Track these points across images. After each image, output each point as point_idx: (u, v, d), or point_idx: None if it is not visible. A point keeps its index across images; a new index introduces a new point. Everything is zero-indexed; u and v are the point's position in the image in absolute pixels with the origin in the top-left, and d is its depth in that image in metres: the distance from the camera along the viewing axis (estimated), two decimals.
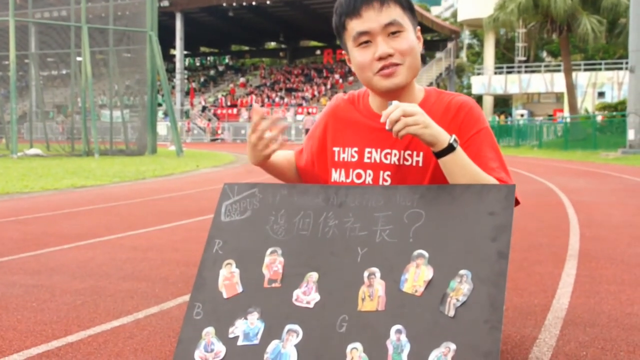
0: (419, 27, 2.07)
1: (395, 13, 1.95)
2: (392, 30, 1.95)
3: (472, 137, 1.99)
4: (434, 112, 1.99)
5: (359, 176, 2.13)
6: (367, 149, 2.10)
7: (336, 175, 2.18)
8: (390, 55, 1.96)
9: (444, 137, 1.85)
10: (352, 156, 2.14)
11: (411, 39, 1.98)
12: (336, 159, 2.18)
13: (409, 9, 2.01)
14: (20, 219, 6.46)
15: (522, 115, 44.65)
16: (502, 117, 46.25)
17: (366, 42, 1.98)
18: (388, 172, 2.08)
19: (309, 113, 44.02)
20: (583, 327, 2.74)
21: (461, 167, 1.86)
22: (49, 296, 3.32)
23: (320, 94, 50.17)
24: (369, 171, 2.11)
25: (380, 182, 2.06)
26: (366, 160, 2.10)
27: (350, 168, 2.14)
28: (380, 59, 1.97)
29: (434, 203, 1.85)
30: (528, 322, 2.83)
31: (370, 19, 1.95)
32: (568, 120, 31.80)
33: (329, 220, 1.96)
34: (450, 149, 1.85)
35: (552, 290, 3.41)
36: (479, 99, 47.16)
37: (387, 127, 1.84)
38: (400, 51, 1.96)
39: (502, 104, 52.68)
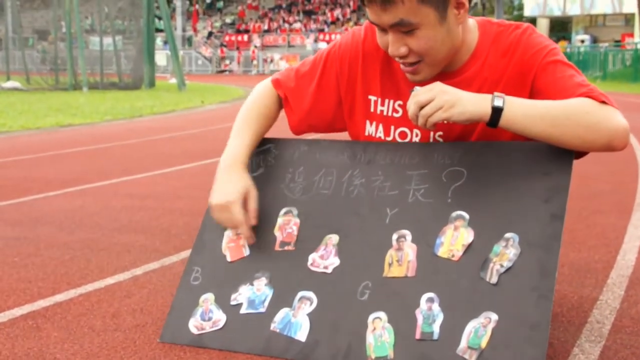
0: None
1: (402, 11, 1.77)
2: (403, 30, 1.82)
3: (543, 67, 1.89)
4: (491, 57, 1.95)
5: (403, 135, 2.05)
6: None
7: (372, 129, 2.09)
8: (404, 56, 1.87)
9: (483, 107, 1.78)
10: (395, 110, 2.05)
11: (429, 36, 1.82)
12: (372, 109, 2.09)
13: None
14: None
15: (582, 42, 43.96)
16: (561, 43, 45.59)
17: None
18: (440, 132, 2.00)
19: None
20: None
21: (529, 118, 1.78)
22: (33, 250, 3.37)
23: (344, 17, 49.64)
24: (415, 131, 2.03)
25: None
26: None
27: (392, 124, 2.06)
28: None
29: (479, 161, 1.83)
30: (587, 281, 2.83)
31: (375, 14, 1.82)
32: (639, 46, 31.27)
33: (354, 178, 1.95)
34: (497, 112, 1.77)
35: (616, 245, 3.40)
36: (532, 21, 46.41)
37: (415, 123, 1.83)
38: (415, 51, 1.85)
39: (560, 28, 51.83)
